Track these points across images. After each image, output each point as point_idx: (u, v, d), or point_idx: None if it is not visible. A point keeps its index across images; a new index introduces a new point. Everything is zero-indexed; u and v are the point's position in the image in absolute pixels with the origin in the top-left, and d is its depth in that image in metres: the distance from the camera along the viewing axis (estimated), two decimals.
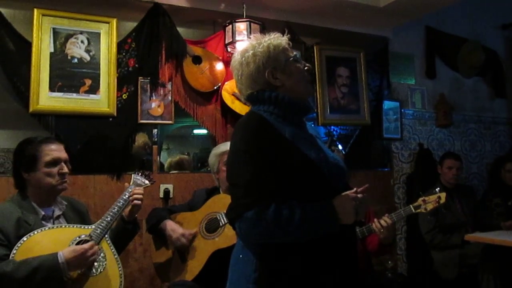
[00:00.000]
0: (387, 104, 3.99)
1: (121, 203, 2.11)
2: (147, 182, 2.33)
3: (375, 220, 2.57)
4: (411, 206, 2.65)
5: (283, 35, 1.59)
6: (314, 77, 3.63)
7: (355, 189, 1.45)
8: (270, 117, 1.49)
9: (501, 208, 3.85)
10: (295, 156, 1.42)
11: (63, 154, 2.05)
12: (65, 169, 2.02)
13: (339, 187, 1.46)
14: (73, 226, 1.99)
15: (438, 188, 2.68)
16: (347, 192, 1.42)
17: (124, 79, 3.01)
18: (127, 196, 2.14)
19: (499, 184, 4.06)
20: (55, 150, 2.01)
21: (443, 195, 2.60)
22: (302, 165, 1.41)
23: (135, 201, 2.12)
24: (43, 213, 1.97)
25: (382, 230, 2.51)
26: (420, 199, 2.64)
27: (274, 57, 1.52)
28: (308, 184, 1.42)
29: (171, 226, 2.44)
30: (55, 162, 1.99)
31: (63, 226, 1.97)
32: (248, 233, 1.39)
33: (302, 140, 1.48)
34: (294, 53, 1.58)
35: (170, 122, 3.14)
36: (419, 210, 2.63)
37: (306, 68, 1.58)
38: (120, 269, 1.96)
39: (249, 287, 1.41)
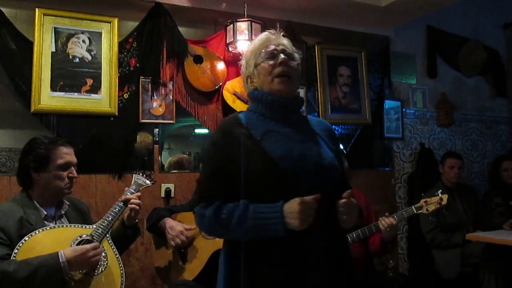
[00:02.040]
0: (388, 104, 3.99)
1: (123, 203, 2.11)
2: (148, 182, 2.33)
3: (382, 218, 2.56)
4: (413, 207, 2.66)
5: (274, 30, 1.61)
6: (315, 76, 3.64)
7: (348, 191, 1.43)
8: (252, 115, 1.55)
9: (501, 208, 3.85)
10: (256, 156, 1.43)
11: (74, 159, 2.06)
12: (75, 174, 2.04)
13: (307, 187, 1.40)
14: (75, 226, 1.99)
15: (440, 191, 2.68)
16: (311, 196, 1.36)
17: (126, 79, 3.02)
18: (128, 196, 2.15)
19: (499, 184, 4.06)
20: (68, 154, 2.02)
21: (445, 197, 2.61)
22: (260, 165, 1.42)
23: (132, 205, 2.11)
24: (45, 212, 1.97)
25: (387, 229, 2.52)
26: (422, 200, 2.65)
27: (249, 64, 1.59)
28: (266, 184, 1.42)
29: (170, 224, 2.42)
30: (66, 166, 2.00)
31: (65, 226, 1.97)
32: (198, 226, 1.55)
33: (276, 137, 1.48)
34: (267, 49, 1.55)
35: (171, 121, 3.15)
36: (420, 211, 2.63)
37: (280, 61, 1.52)
38: (121, 268, 1.96)
39: (220, 282, 1.52)
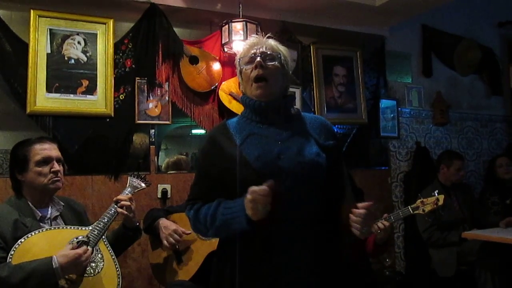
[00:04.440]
0: (384, 103, 4.00)
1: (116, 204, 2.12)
2: (143, 185, 2.34)
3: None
4: (409, 207, 2.67)
5: (260, 33, 1.66)
6: (310, 76, 3.65)
7: (367, 203, 1.43)
8: (241, 120, 1.61)
9: (498, 207, 3.86)
10: (235, 160, 1.48)
11: (55, 153, 2.04)
12: (57, 167, 2.01)
13: (283, 186, 1.42)
14: (71, 228, 1.99)
15: (437, 191, 2.69)
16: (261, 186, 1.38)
17: (121, 80, 3.02)
18: (120, 196, 2.16)
19: (495, 182, 4.07)
20: (46, 149, 2.01)
21: (441, 197, 2.61)
22: (237, 168, 1.47)
23: (120, 210, 2.10)
24: (40, 214, 1.97)
25: (379, 231, 2.53)
26: (419, 200, 2.66)
27: (237, 71, 1.65)
28: (243, 186, 1.45)
29: (164, 224, 2.43)
30: (45, 161, 1.99)
31: (61, 228, 1.98)
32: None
33: (256, 140, 1.53)
34: (248, 55, 1.58)
35: (167, 122, 3.15)
36: (417, 212, 2.65)
37: (255, 65, 1.54)
38: (118, 269, 1.97)
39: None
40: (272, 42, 1.62)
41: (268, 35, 1.65)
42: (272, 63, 1.57)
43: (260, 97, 1.55)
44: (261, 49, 1.57)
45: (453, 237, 3.39)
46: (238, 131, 1.56)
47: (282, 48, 1.63)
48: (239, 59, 1.62)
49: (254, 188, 1.38)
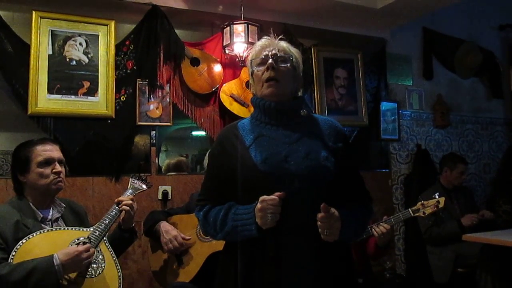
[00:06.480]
0: (384, 105, 4.00)
1: (117, 205, 2.12)
2: (144, 186, 2.34)
3: (374, 226, 2.58)
4: (410, 210, 2.67)
5: (272, 35, 1.65)
6: (311, 78, 3.65)
7: (322, 204, 1.38)
8: (251, 121, 1.61)
9: (508, 216, 3.83)
10: (242, 162, 1.49)
11: (57, 154, 2.04)
12: (58, 168, 2.01)
13: (290, 188, 1.42)
14: (72, 229, 1.99)
15: (438, 193, 2.69)
16: (272, 195, 1.39)
17: (123, 81, 3.02)
18: (121, 198, 2.16)
19: (508, 190, 4.04)
20: (48, 150, 2.01)
21: (442, 199, 2.62)
22: (244, 170, 1.48)
23: (123, 207, 2.11)
24: (41, 215, 1.97)
25: (381, 235, 2.54)
26: (419, 203, 2.66)
27: (248, 72, 1.67)
28: (250, 188, 1.47)
29: (165, 228, 2.43)
30: (47, 162, 1.99)
31: (62, 229, 1.97)
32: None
33: (265, 141, 1.53)
34: (260, 56, 1.59)
35: (168, 123, 3.15)
36: (417, 214, 2.66)
37: (266, 66, 1.55)
38: (119, 271, 1.96)
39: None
40: (284, 44, 1.62)
41: (280, 37, 1.65)
42: (284, 65, 1.57)
43: (270, 96, 1.55)
44: (273, 51, 1.57)
45: (452, 227, 3.36)
46: (247, 132, 1.57)
47: (294, 51, 1.63)
48: (251, 60, 1.62)
49: (264, 197, 1.39)
